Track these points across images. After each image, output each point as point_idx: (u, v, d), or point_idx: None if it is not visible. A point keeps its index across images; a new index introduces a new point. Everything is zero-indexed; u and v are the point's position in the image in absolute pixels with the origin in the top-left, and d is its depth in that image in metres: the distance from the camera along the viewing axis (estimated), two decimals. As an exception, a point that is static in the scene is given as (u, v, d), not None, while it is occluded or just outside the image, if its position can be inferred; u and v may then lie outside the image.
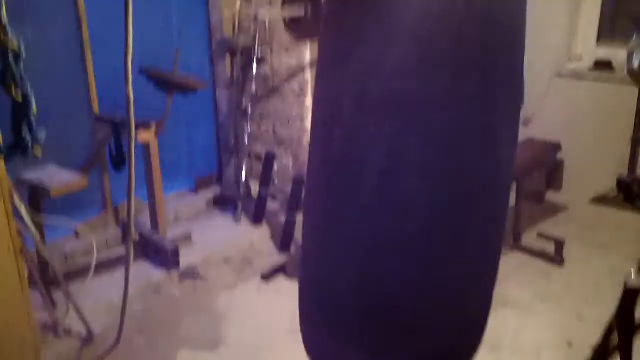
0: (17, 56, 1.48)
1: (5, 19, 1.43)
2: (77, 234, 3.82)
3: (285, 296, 3.38)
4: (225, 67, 4.51)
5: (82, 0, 3.63)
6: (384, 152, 1.24)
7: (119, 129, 3.45)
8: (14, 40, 1.44)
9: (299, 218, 4.00)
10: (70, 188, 3.21)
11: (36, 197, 3.23)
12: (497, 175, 1.36)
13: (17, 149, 1.59)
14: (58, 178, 3.20)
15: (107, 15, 3.77)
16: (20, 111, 1.54)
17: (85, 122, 3.82)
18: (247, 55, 4.30)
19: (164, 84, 3.59)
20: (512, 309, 3.20)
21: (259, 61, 4.26)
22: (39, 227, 3.15)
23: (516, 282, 3.47)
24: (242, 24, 4.44)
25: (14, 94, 1.50)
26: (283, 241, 3.88)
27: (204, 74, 4.56)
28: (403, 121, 1.22)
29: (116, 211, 4.06)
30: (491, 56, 1.24)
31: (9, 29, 1.43)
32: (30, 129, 1.55)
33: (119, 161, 3.45)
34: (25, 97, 1.52)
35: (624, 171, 4.31)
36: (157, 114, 3.62)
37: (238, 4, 4.41)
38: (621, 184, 3.96)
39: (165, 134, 3.73)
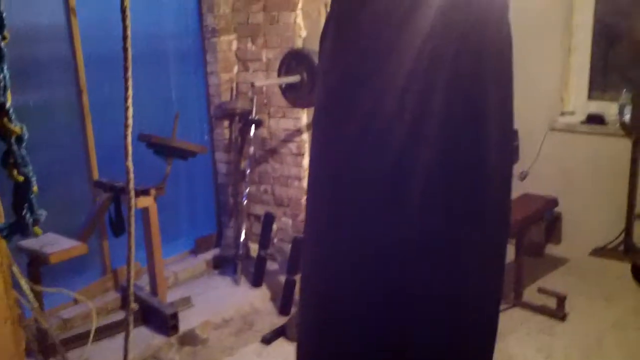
0: (19, 139, 1.51)
1: (10, 105, 1.46)
2: (75, 300, 3.81)
3: (287, 359, 3.36)
4: (223, 130, 4.57)
5: (82, 70, 3.72)
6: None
7: (118, 195, 3.48)
8: (17, 126, 1.48)
9: (299, 278, 4.00)
10: (69, 255, 3.22)
11: (35, 263, 3.23)
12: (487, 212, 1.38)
13: (18, 229, 1.61)
14: (57, 245, 3.21)
15: (107, 83, 3.86)
16: (21, 192, 1.56)
17: (85, 187, 3.86)
18: (245, 118, 4.38)
19: (164, 149, 3.64)
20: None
21: (256, 124, 4.32)
22: (38, 295, 3.14)
23: (518, 338, 3.45)
24: (239, 88, 4.53)
25: (15, 176, 1.52)
26: (283, 303, 3.87)
27: (202, 137, 4.63)
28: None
29: (115, 275, 4.05)
30: (482, 87, 1.27)
31: (13, 115, 1.46)
32: (31, 209, 1.56)
33: (119, 228, 3.46)
34: (26, 178, 1.54)
35: (621, 221, 4.35)
36: (155, 177, 3.66)
37: (235, 69, 4.51)
38: (637, 269, 4.04)
39: (164, 195, 3.77)
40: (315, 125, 1.46)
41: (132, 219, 1.96)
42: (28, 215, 1.57)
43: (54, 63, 3.64)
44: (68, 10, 3.62)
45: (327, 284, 1.43)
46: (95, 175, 3.83)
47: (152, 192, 3.55)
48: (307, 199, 1.54)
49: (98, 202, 3.71)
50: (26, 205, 1.58)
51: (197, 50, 4.53)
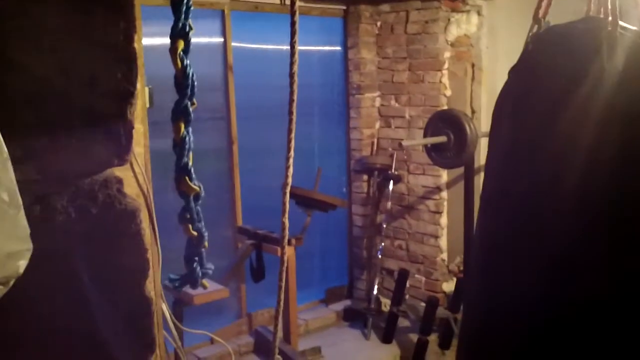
0: (197, 197, 1.62)
1: (191, 165, 1.58)
2: (212, 341, 3.95)
3: None
4: (362, 184, 4.64)
5: (234, 122, 3.93)
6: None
7: (260, 242, 3.61)
8: (197, 185, 1.59)
9: (431, 338, 3.92)
10: (213, 297, 3.34)
11: (179, 305, 3.40)
12: None
13: (188, 281, 1.72)
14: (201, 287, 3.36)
15: (256, 134, 4.05)
16: (193, 246, 1.67)
17: (228, 233, 4.03)
18: (384, 173, 4.42)
19: (306, 201, 3.75)
20: None
21: (395, 180, 4.35)
22: (180, 334, 3.29)
23: None
24: (380, 144, 4.59)
25: (190, 231, 1.63)
26: (414, 363, 3.80)
27: (340, 190, 4.72)
28: None
29: (250, 319, 4.18)
30: None
31: (193, 175, 1.57)
32: (201, 263, 1.67)
33: (259, 274, 3.58)
34: (199, 233, 1.65)
35: None
36: (294, 227, 3.76)
37: (377, 125, 4.59)
38: None
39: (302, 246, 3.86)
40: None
41: (283, 275, 2.02)
42: (198, 269, 1.68)
43: (208, 113, 3.88)
44: (226, 67, 3.88)
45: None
46: (240, 222, 4.00)
47: (293, 242, 3.64)
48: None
49: (241, 248, 3.87)
50: (197, 259, 1.69)
51: (341, 105, 4.67)
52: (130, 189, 1.14)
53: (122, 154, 1.01)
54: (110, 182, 1.02)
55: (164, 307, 2.81)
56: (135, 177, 1.26)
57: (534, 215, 1.33)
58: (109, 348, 1.10)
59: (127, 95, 1.02)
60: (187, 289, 3.31)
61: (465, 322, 1.62)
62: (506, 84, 1.44)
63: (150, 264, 1.12)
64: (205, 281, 1.72)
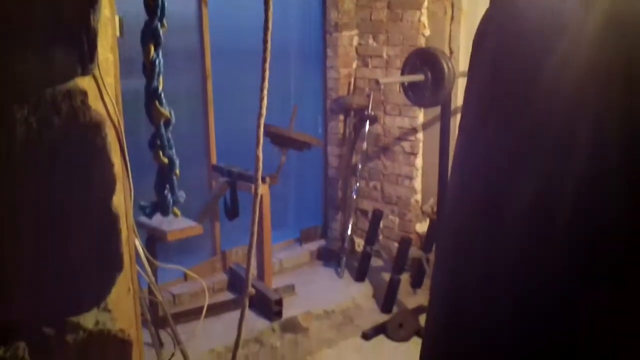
0: (167, 123, 1.58)
1: (161, 90, 1.54)
2: (185, 278, 3.96)
3: (386, 357, 3.35)
4: (338, 125, 4.61)
5: (209, 58, 3.85)
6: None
7: (234, 181, 3.59)
8: (167, 110, 1.55)
9: (403, 277, 3.98)
10: (186, 234, 3.35)
11: (152, 241, 3.39)
12: None
13: (159, 209, 1.69)
14: (175, 224, 3.35)
15: (231, 73, 3.98)
16: (164, 173, 1.64)
17: (203, 172, 4.00)
18: (360, 114, 4.40)
19: (281, 140, 3.72)
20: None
21: (371, 120, 4.33)
22: (153, 270, 3.29)
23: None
24: (357, 84, 4.55)
25: (160, 158, 1.60)
26: (385, 301, 3.86)
27: (316, 130, 4.69)
28: None
29: (224, 257, 4.19)
30: None
31: (163, 99, 1.53)
32: (172, 191, 1.64)
33: (234, 213, 3.57)
34: (170, 160, 1.62)
35: None
36: (269, 166, 3.74)
37: (354, 64, 4.53)
38: None
39: (277, 186, 3.85)
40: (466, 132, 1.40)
41: (257, 207, 2.01)
42: (169, 196, 1.65)
43: (182, 50, 3.79)
44: (200, 0, 3.77)
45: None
46: (214, 160, 3.97)
47: (268, 180, 3.63)
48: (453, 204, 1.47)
49: (215, 186, 3.85)
50: (168, 186, 1.66)
51: (318, 44, 4.59)
52: (98, 106, 1.10)
53: (85, 62, 0.97)
54: (74, 93, 0.98)
55: (137, 242, 2.80)
56: (105, 107, 1.21)
57: (511, 176, 1.24)
58: (76, 266, 1.09)
59: (91, -1, 0.97)
60: (161, 226, 3.31)
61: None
62: (483, 27, 1.36)
63: (117, 180, 1.09)
64: (176, 209, 1.69)
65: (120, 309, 1.25)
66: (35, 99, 0.94)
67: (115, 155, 1.11)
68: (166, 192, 1.64)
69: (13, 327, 1.04)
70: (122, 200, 1.17)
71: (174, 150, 1.63)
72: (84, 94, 1.00)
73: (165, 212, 1.67)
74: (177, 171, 1.65)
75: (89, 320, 1.15)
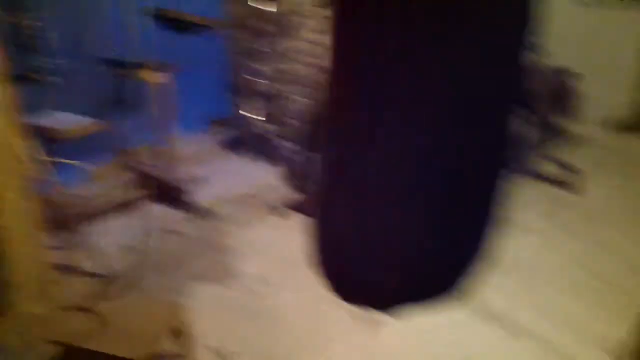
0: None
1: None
2: (91, 180, 3.82)
3: (301, 233, 3.39)
4: (236, 8, 4.40)
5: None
6: None
7: (126, 71, 3.41)
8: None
9: (315, 157, 3.98)
10: (82, 131, 3.20)
11: (48, 142, 3.22)
12: None
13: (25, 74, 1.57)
14: (68, 122, 3.18)
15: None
16: (28, 38, 1.51)
17: (97, 64, 3.77)
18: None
19: (180, 24, 3.51)
20: (532, 236, 3.19)
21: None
22: (54, 170, 3.15)
23: (535, 211, 3.46)
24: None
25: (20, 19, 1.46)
26: (298, 181, 3.87)
27: (213, 15, 4.46)
28: None
29: (129, 154, 4.05)
30: None
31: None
32: (38, 56, 1.52)
33: (129, 106, 3.42)
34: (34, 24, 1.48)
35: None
36: (170, 56, 3.55)
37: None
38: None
39: (181, 75, 3.68)
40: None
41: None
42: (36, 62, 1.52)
43: None
44: None
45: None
46: (107, 53, 3.72)
47: (169, 67, 3.46)
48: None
49: (108, 79, 3.64)
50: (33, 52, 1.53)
51: None
52: None
53: None
54: None
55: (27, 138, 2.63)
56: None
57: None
58: None
59: None
60: (54, 126, 3.13)
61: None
62: None
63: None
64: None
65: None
66: None
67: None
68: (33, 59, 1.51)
69: None
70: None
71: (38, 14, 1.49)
72: None
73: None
74: (50, 38, 1.51)
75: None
